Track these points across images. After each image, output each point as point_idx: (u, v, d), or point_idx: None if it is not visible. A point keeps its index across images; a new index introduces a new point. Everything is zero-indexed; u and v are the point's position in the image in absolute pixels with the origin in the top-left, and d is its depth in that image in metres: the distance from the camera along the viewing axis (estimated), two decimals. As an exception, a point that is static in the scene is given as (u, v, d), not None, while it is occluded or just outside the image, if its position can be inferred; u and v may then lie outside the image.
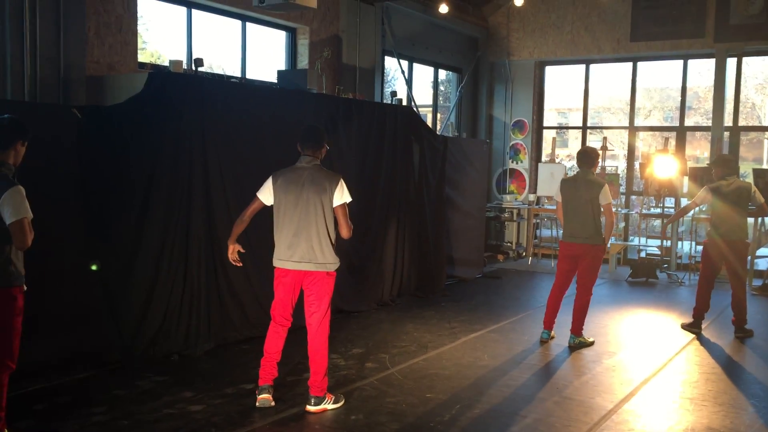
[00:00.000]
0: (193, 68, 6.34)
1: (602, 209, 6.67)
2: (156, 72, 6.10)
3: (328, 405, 4.87)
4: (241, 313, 6.55)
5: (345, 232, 4.88)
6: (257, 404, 4.85)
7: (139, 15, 7.12)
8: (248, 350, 6.24)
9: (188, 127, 5.97)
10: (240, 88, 6.84)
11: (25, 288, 4.02)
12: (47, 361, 5.26)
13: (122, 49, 6.83)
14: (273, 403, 4.88)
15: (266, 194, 4.92)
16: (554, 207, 8.24)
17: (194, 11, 8.00)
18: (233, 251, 5.06)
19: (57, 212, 5.29)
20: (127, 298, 5.76)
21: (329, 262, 4.84)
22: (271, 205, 4.93)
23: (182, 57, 7.87)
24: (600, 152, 7.23)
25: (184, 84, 6.02)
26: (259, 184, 5.00)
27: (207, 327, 6.19)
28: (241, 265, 5.20)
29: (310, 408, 4.83)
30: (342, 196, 4.82)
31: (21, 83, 5.83)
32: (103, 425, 4.47)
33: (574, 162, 6.92)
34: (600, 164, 11.79)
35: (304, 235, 4.78)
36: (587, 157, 6.80)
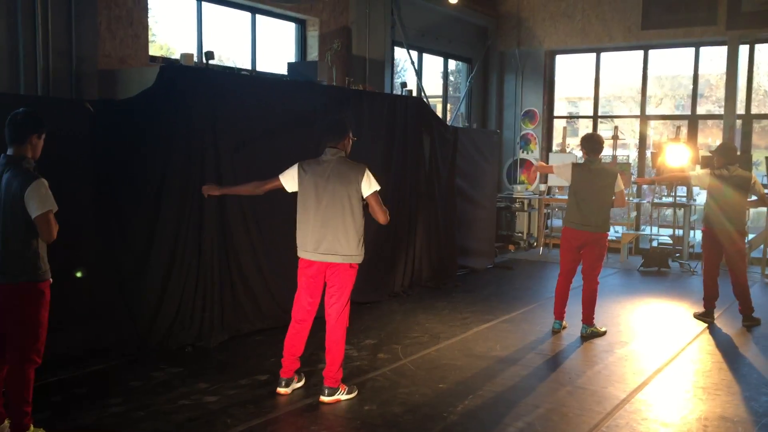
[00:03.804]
0: (204, 61, 6.36)
1: (614, 197, 6.66)
2: (167, 65, 6.11)
3: (342, 396, 4.91)
4: (253, 305, 6.59)
5: (382, 219, 4.89)
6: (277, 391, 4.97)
7: (149, 8, 7.13)
8: (261, 341, 6.28)
9: (200, 120, 5.99)
10: (250, 81, 6.85)
11: (51, 281, 4.07)
12: (63, 353, 5.31)
13: (133, 42, 6.85)
14: (288, 392, 4.99)
15: (289, 180, 4.93)
16: (564, 197, 8.18)
17: (204, 3, 8.01)
18: (211, 188, 5.24)
19: (70, 206, 5.29)
20: (141, 290, 5.81)
21: (354, 254, 4.86)
22: (290, 192, 4.96)
23: (191, 49, 7.90)
24: (603, 138, 7.21)
25: (195, 77, 6.04)
26: (271, 175, 5.03)
27: (220, 319, 6.23)
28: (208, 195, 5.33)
29: (324, 399, 4.87)
30: (370, 185, 4.83)
31: (34, 77, 5.86)
32: (120, 416, 4.52)
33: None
34: (612, 153, 11.83)
35: (331, 227, 4.80)
36: (596, 143, 6.77)
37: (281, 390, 4.99)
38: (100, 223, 5.64)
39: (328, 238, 4.80)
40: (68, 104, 5.71)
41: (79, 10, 6.11)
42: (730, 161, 7.20)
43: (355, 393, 4.99)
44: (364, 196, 4.83)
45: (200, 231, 6.05)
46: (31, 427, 4.02)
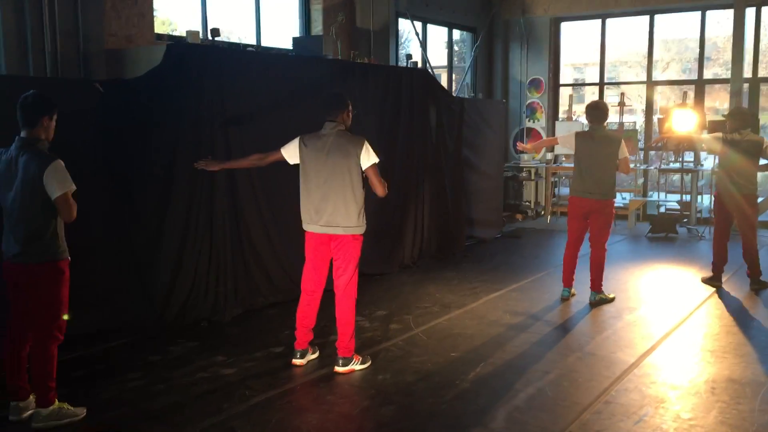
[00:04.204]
0: (210, 38, 6.38)
1: (618, 163, 6.68)
2: (174, 44, 6.15)
3: (356, 366, 5.01)
4: (266, 279, 6.68)
5: (380, 191, 4.96)
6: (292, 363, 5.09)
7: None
8: (275, 315, 6.39)
9: (208, 97, 6.03)
10: (257, 57, 6.88)
11: (69, 259, 4.15)
12: (81, 332, 5.41)
13: (139, 21, 6.87)
14: (303, 363, 5.11)
15: (290, 152, 5.02)
16: (571, 165, 8.18)
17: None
18: (209, 164, 5.41)
19: (82, 186, 5.32)
20: (156, 268, 5.89)
21: (355, 225, 4.93)
22: (291, 165, 5.05)
23: (194, 23, 7.89)
24: (608, 105, 7.21)
25: (202, 55, 6.06)
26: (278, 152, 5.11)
27: (234, 293, 6.33)
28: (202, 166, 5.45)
29: (338, 369, 4.98)
30: (369, 157, 4.88)
31: (42, 59, 5.90)
32: (140, 390, 4.64)
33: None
34: (618, 120, 11.81)
35: (332, 199, 4.88)
36: (600, 111, 6.77)
37: (296, 361, 5.11)
38: (112, 202, 5.70)
39: (329, 211, 4.89)
40: (77, 85, 5.75)
41: (84, -10, 6.14)
42: (742, 125, 7.19)
43: (369, 363, 5.10)
44: (363, 169, 4.88)
45: (211, 207, 6.12)
46: (56, 402, 4.14)
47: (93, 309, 5.51)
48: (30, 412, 4.17)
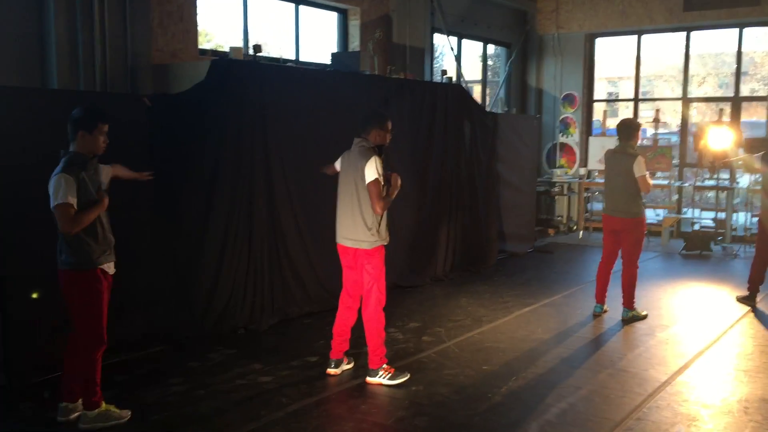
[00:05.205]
0: (253, 54, 6.57)
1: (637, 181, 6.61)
2: (219, 60, 6.34)
3: (383, 380, 5.02)
4: (302, 290, 6.83)
5: (376, 209, 4.92)
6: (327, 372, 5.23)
7: (197, 3, 7.35)
8: (309, 324, 6.52)
9: (250, 112, 6.21)
10: (297, 73, 7.04)
11: (107, 270, 4.26)
12: (124, 338, 5.58)
13: (184, 37, 7.09)
14: (338, 372, 5.23)
15: (338, 166, 5.28)
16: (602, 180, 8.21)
17: (249, -4, 8.21)
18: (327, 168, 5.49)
19: (129, 198, 5.56)
20: (196, 277, 6.07)
21: (363, 240, 5.00)
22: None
23: (232, 36, 8.10)
24: (640, 123, 7.20)
25: (246, 70, 6.25)
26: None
27: (270, 303, 6.48)
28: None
29: (368, 380, 5.08)
30: (370, 173, 4.87)
31: (92, 73, 6.13)
32: (182, 395, 4.79)
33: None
34: (653, 135, 11.77)
35: (347, 214, 5.05)
36: (625, 128, 6.76)
37: (331, 371, 5.23)
38: (157, 212, 5.89)
39: (345, 224, 5.07)
40: (125, 99, 5.96)
41: (133, 8, 6.38)
42: None
43: (404, 379, 5.05)
44: (365, 183, 4.90)
45: (250, 219, 6.29)
46: (103, 405, 4.31)
47: (136, 315, 5.70)
48: (77, 413, 4.34)
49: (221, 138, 6.06)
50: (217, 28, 8.48)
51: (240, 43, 7.97)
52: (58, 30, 5.93)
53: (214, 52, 7.52)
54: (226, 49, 7.03)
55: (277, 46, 9.02)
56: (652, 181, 6.83)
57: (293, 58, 8.85)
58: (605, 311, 7.02)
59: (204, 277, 6.09)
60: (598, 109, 13.34)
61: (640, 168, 6.58)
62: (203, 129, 5.98)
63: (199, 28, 7.38)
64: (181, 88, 6.15)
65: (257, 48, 6.55)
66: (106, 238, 4.27)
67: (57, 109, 4.87)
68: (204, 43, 7.89)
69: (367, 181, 4.89)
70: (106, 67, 6.19)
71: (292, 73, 6.88)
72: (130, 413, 4.38)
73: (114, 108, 5.38)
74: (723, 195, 11.14)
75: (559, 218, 12.65)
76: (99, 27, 6.12)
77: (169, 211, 5.96)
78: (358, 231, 5.01)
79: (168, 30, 6.94)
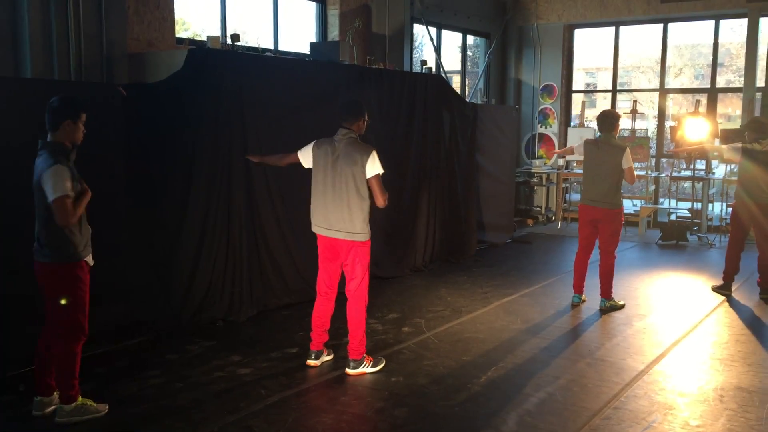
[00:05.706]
0: (230, 43, 6.50)
1: (624, 173, 6.69)
2: (196, 49, 6.27)
3: (367, 369, 5.09)
4: (281, 281, 6.80)
5: (379, 202, 5.03)
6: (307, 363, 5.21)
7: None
8: (289, 316, 6.50)
9: (227, 101, 6.15)
10: (275, 62, 6.99)
11: (89, 262, 4.24)
12: (102, 329, 5.53)
13: (160, 25, 6.99)
14: (317, 364, 5.22)
15: (305, 156, 5.17)
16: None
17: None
18: (253, 156, 5.76)
19: (105, 188, 5.49)
20: (174, 268, 6.02)
21: (358, 232, 5.01)
22: (305, 168, 5.19)
23: (209, 25, 7.98)
24: (620, 114, 7.25)
25: (223, 59, 6.19)
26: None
27: (249, 294, 6.45)
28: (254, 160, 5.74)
29: (348, 371, 5.08)
30: (374, 167, 4.94)
31: (67, 62, 6.02)
32: (160, 387, 4.76)
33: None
34: (630, 127, 11.86)
35: (338, 205, 4.99)
36: (608, 120, 6.80)
37: (311, 362, 5.22)
38: (134, 203, 5.83)
39: (335, 215, 5.00)
40: (101, 88, 5.87)
41: (108, -5, 6.27)
42: (763, 135, 7.22)
43: (382, 365, 5.18)
44: (367, 177, 4.95)
45: (228, 209, 6.25)
46: (79, 399, 4.26)
47: (114, 307, 5.64)
48: (53, 407, 4.29)
49: (198, 128, 6.00)
50: (194, 16, 8.37)
51: (218, 32, 7.87)
52: (32, 17, 5.81)
53: (191, 41, 7.44)
54: (204, 38, 6.96)
55: (255, 35, 8.94)
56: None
57: (272, 47, 8.77)
58: (583, 301, 7.08)
59: (182, 268, 6.04)
60: (577, 99, 13.40)
61: (627, 160, 6.66)
62: (180, 119, 5.91)
63: (176, 17, 7.27)
64: (158, 78, 6.08)
65: (235, 37, 6.49)
66: (87, 230, 4.24)
67: (31, 98, 4.80)
68: (181, 32, 7.78)
69: (371, 175, 4.93)
70: (81, 55, 6.09)
71: (270, 63, 6.83)
72: (107, 407, 4.34)
73: (88, 97, 5.31)
74: (699, 185, 11.27)
75: (537, 209, 12.72)
76: (73, 14, 6.00)
77: (147, 202, 5.89)
78: (356, 223, 4.98)
79: (144, 18, 6.84)
